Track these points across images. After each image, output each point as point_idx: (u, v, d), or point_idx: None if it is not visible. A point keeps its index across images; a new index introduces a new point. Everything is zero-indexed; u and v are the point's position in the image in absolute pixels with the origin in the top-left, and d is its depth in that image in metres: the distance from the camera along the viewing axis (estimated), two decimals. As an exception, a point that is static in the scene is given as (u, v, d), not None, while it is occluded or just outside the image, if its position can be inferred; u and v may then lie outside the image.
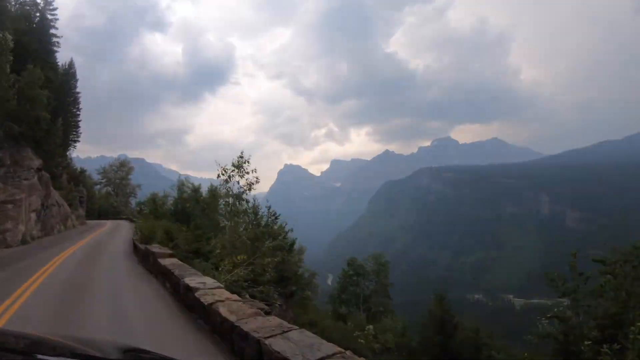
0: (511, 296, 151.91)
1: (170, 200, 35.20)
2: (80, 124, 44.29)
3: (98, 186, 75.94)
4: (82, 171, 42.70)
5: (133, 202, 73.54)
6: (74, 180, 39.40)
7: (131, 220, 45.20)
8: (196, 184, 34.47)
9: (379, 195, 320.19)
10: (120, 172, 71.53)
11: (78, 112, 43.82)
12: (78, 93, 43.80)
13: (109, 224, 38.28)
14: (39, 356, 1.51)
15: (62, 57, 42.12)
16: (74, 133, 43.38)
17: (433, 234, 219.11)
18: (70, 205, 35.05)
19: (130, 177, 72.93)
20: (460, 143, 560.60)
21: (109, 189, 72.57)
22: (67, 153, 42.60)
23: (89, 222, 42.49)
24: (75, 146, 44.23)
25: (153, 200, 32.75)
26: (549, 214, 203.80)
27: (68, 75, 42.68)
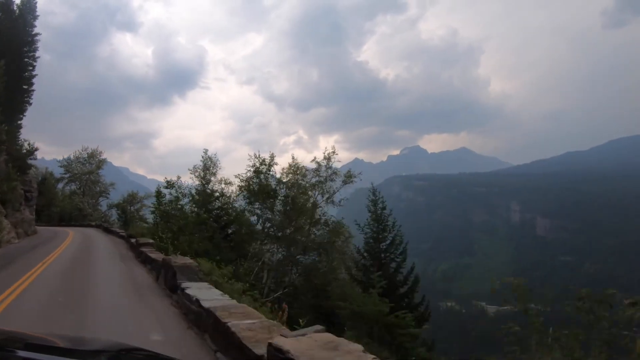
0: (484, 303, 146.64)
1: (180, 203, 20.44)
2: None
3: (61, 184, 58.68)
4: (32, 150, 26.02)
5: (104, 204, 56.29)
6: (17, 164, 23.07)
7: (107, 230, 29.11)
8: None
9: (349, 203, 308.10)
10: (88, 166, 54.11)
11: (34, 63, 27.53)
12: (36, 35, 27.64)
13: (72, 236, 22.34)
14: None
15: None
16: (26, 93, 27.06)
17: (404, 241, 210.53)
18: (4, 203, 19.13)
19: (101, 172, 55.55)
20: (429, 152, 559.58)
21: (74, 186, 55.00)
22: (18, 135, 26.56)
23: (42, 230, 27.40)
24: (25, 114, 27.82)
25: (157, 194, 17.65)
26: (519, 221, 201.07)
27: (22, 7, 26.65)
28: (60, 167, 53.84)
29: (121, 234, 20.78)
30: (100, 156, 54.52)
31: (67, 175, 54.23)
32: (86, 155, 54.32)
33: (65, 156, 54.72)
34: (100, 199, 56.65)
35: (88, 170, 53.81)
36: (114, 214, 52.63)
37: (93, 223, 40.80)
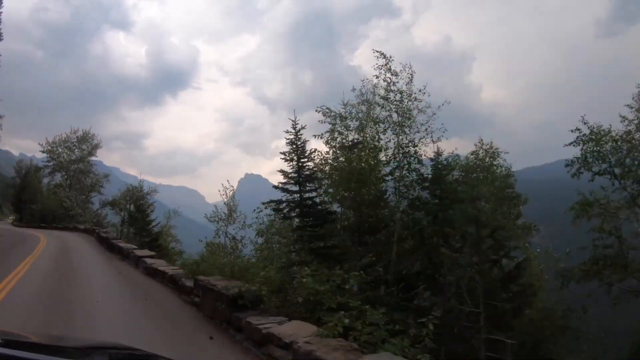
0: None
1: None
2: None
3: (46, 179, 46.64)
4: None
5: (97, 201, 43.14)
6: None
7: (107, 244, 16.54)
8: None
9: None
10: (77, 152, 41.14)
11: None
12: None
13: (42, 247, 10.11)
14: None
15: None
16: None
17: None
18: None
19: (93, 161, 42.53)
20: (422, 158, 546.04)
21: (60, 177, 41.96)
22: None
23: (7, 234, 19.89)
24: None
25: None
26: None
27: None
28: (43, 152, 40.76)
29: (155, 266, 7.99)
30: (93, 140, 41.56)
31: (51, 163, 41.22)
32: (75, 139, 41.35)
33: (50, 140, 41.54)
34: (92, 194, 43.53)
35: (77, 158, 40.87)
36: (109, 215, 39.79)
37: (82, 226, 28.13)
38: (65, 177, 40.92)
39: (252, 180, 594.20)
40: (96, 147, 41.88)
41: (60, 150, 40.88)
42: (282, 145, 11.47)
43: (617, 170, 12.73)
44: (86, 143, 41.42)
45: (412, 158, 14.13)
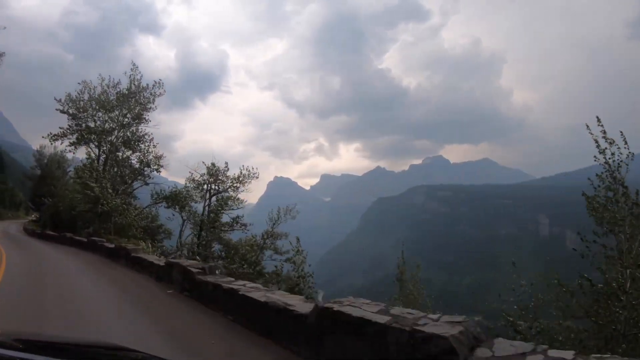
0: (511, 319, 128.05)
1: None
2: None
3: (69, 167, 36.94)
4: None
5: (145, 192, 25.38)
6: None
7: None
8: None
9: (371, 211, 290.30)
10: (118, 113, 23.53)
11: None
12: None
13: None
14: None
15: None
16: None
17: (427, 253, 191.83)
18: None
19: (148, 122, 24.48)
20: (451, 162, 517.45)
21: (90, 151, 24.40)
22: None
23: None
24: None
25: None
26: (548, 235, 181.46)
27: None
28: (62, 112, 23.19)
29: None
30: (146, 93, 23.83)
31: (76, 131, 23.52)
32: (114, 94, 23.78)
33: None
34: (136, 183, 25.60)
35: (119, 121, 23.36)
36: (172, 219, 21.91)
37: (148, 256, 10.10)
38: (101, 148, 23.32)
39: (281, 183, 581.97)
40: (148, 106, 24.17)
41: (90, 110, 23.50)
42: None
43: None
44: (133, 100, 23.90)
45: None
